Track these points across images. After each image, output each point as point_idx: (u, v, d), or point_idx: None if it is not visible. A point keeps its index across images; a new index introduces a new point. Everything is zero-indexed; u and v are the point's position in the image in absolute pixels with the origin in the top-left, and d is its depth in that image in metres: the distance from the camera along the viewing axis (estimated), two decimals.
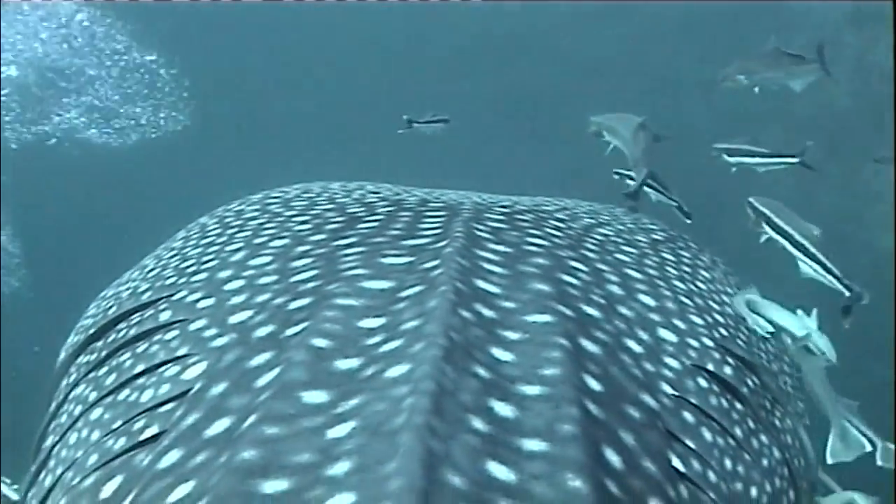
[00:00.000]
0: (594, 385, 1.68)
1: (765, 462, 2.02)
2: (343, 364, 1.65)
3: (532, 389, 1.59)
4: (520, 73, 11.93)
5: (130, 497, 1.57)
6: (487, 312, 1.81)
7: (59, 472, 1.91)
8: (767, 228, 3.33)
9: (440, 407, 1.45)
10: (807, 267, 3.17)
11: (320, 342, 1.70)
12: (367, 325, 1.77)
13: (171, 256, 2.39)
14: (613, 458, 1.52)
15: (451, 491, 1.30)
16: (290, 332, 1.80)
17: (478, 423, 1.47)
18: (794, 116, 9.87)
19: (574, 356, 1.72)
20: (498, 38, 12.20)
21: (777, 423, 2.20)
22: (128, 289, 2.36)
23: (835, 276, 3.15)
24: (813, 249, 3.19)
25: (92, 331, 2.26)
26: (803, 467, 2.28)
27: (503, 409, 1.53)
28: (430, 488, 1.27)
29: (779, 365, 2.47)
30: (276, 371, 1.67)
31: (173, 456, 1.59)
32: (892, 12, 7.96)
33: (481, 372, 1.60)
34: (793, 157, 4.94)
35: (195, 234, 2.50)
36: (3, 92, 11.82)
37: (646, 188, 3.56)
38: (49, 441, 2.11)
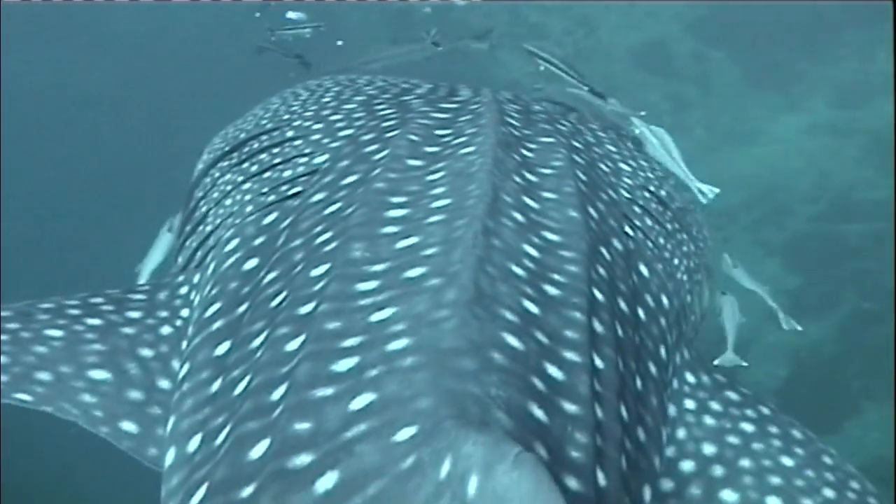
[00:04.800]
0: (582, 176, 2.65)
1: (685, 248, 2.91)
2: (429, 149, 2.61)
3: (546, 170, 2.57)
4: None
5: (287, 222, 2.42)
6: (519, 132, 2.83)
7: (218, 221, 2.75)
8: (541, 62, 4.75)
9: (497, 165, 2.41)
10: (559, 73, 4.59)
11: (413, 136, 2.66)
12: (440, 133, 2.74)
13: (280, 104, 3.26)
14: (593, 213, 2.48)
15: (504, 202, 2.24)
16: (387, 135, 2.72)
17: (517, 178, 2.43)
18: None
19: (570, 159, 2.71)
20: None
21: (694, 232, 3.11)
22: (250, 122, 3.23)
23: (585, 85, 4.37)
24: (562, 65, 4.60)
25: (227, 148, 3.11)
26: (711, 269, 3.29)
27: (531, 176, 2.50)
28: (494, 197, 2.23)
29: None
30: (385, 151, 2.58)
31: (319, 196, 2.46)
32: (891, 13, 7.73)
33: (516, 157, 2.57)
34: None
35: (289, 92, 3.40)
36: None
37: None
38: (203, 209, 2.93)
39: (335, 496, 1.49)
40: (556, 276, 2.07)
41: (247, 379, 1.89)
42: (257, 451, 1.67)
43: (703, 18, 10.47)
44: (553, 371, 1.83)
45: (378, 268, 2.02)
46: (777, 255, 8.23)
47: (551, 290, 2.02)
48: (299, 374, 1.75)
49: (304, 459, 1.58)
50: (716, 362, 4.29)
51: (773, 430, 2.26)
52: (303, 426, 1.64)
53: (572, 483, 1.64)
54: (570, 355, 1.88)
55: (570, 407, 1.78)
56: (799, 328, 4.52)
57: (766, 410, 2.30)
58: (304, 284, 2.05)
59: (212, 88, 9.34)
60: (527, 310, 1.92)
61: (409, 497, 1.42)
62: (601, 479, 1.73)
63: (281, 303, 2.06)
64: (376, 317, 1.86)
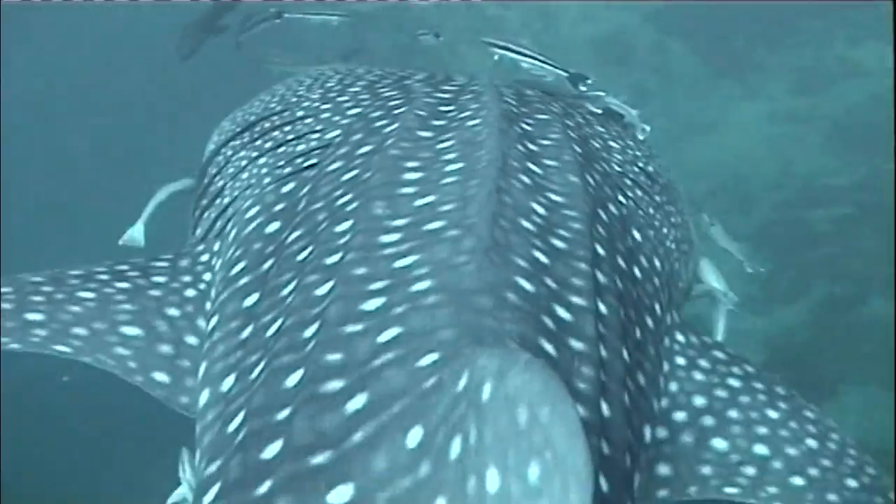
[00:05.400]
0: (578, 149, 2.89)
1: (672, 219, 3.18)
2: (436, 122, 2.86)
3: (546, 141, 2.80)
4: None
5: (305, 189, 2.63)
6: (517, 110, 3.07)
7: (236, 193, 2.93)
8: (498, 50, 4.75)
9: (502, 134, 2.66)
10: (527, 64, 4.59)
11: (420, 112, 2.91)
12: (444, 109, 2.98)
13: (286, 89, 3.49)
14: (590, 180, 2.70)
15: (511, 166, 2.47)
16: (395, 112, 2.95)
17: (521, 147, 2.65)
18: None
19: (567, 136, 2.93)
20: None
21: (679, 206, 3.36)
22: (258, 106, 3.44)
23: (551, 66, 4.49)
24: (532, 53, 4.61)
25: (238, 129, 3.32)
26: (695, 242, 3.51)
27: (532, 146, 2.72)
28: (504, 161, 2.45)
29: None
30: (395, 125, 2.81)
31: (335, 165, 2.69)
32: (891, 13, 7.70)
33: (518, 129, 2.81)
34: None
35: (292, 80, 3.64)
36: None
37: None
38: (219, 184, 3.11)
39: (364, 414, 1.64)
40: (562, 232, 2.31)
41: (279, 322, 2.04)
42: (292, 380, 1.81)
43: (662, 9, 10.44)
44: (562, 312, 2.02)
45: (399, 222, 2.22)
46: (744, 243, 8.19)
47: (558, 244, 2.26)
48: (330, 313, 1.91)
49: (335, 385, 1.73)
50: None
51: (758, 385, 2.41)
52: (334, 357, 1.79)
53: (579, 412, 1.72)
54: (577, 300, 2.08)
55: (577, 344, 1.95)
56: (761, 269, 5.72)
57: (750, 369, 2.46)
58: (329, 239, 2.23)
59: (199, 85, 9.11)
60: (537, 259, 2.14)
61: (430, 410, 1.55)
62: (605, 410, 1.89)
63: (308, 256, 2.23)
64: (400, 263, 2.05)
